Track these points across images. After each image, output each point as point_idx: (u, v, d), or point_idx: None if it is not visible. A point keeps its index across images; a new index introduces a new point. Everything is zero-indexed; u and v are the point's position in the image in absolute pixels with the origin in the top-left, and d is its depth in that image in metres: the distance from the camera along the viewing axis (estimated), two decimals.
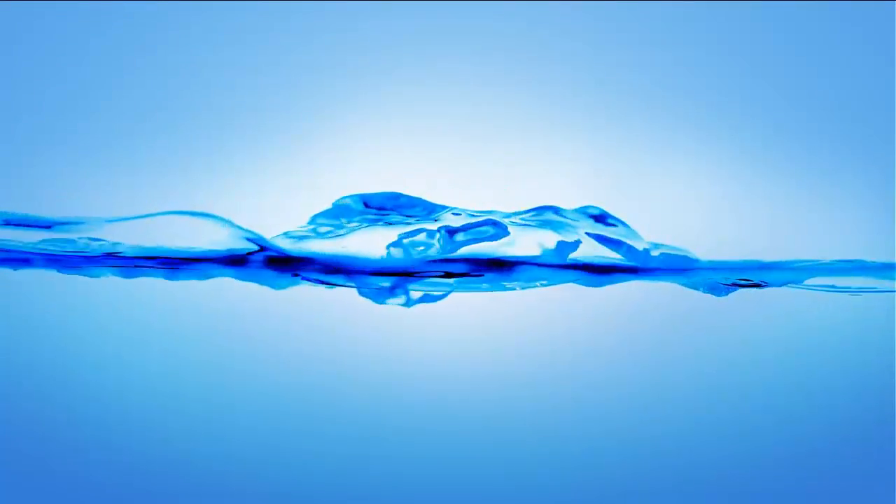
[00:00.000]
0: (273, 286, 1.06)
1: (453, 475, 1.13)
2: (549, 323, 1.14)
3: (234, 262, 1.04)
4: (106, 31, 1.10)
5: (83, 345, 1.13)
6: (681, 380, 1.15)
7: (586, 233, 1.05)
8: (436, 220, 1.05)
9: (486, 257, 1.04)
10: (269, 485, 1.12)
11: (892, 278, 1.09)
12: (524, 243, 1.04)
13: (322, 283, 1.05)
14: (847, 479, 1.14)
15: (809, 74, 1.12)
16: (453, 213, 1.05)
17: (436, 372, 1.13)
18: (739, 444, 1.14)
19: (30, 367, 1.14)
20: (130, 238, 1.04)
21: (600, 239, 1.04)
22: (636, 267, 1.05)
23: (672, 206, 1.11)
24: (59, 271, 1.05)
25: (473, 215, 1.05)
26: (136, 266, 1.05)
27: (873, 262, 1.08)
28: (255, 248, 1.04)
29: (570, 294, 1.10)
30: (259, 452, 1.13)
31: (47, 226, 1.04)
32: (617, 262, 1.06)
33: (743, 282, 1.08)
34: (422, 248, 1.02)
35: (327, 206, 1.07)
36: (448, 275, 1.04)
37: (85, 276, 1.06)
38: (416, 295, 1.07)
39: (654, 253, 1.04)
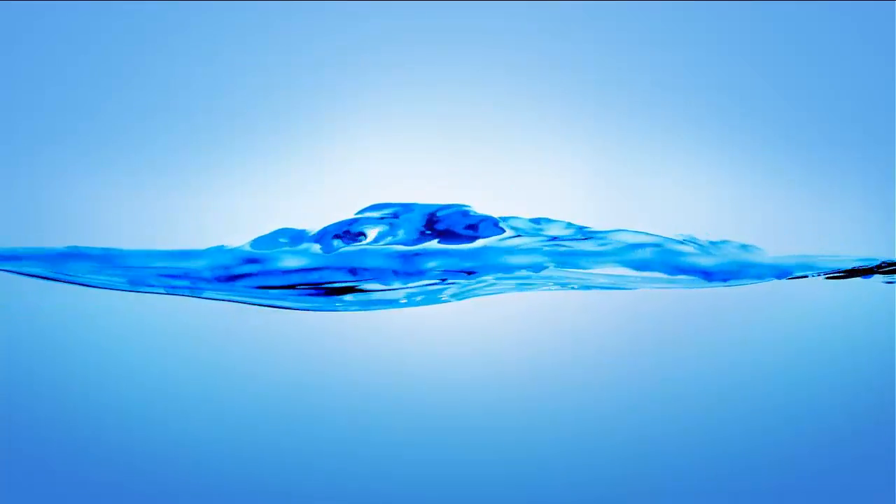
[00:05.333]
0: None
1: (453, 477, 1.13)
2: (549, 323, 1.14)
3: None
4: (106, 31, 1.10)
5: (78, 344, 1.13)
6: (678, 380, 1.15)
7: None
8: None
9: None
10: (263, 487, 1.12)
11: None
12: None
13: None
14: (847, 481, 1.14)
15: (809, 74, 1.12)
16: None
17: (434, 373, 1.13)
18: (738, 445, 1.14)
19: (27, 370, 1.14)
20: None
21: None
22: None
23: (672, 206, 1.11)
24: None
25: None
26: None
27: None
28: None
29: (568, 294, 1.10)
30: (255, 454, 1.13)
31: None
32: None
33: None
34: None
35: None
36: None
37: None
38: None
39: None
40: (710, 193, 1.11)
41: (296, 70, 1.11)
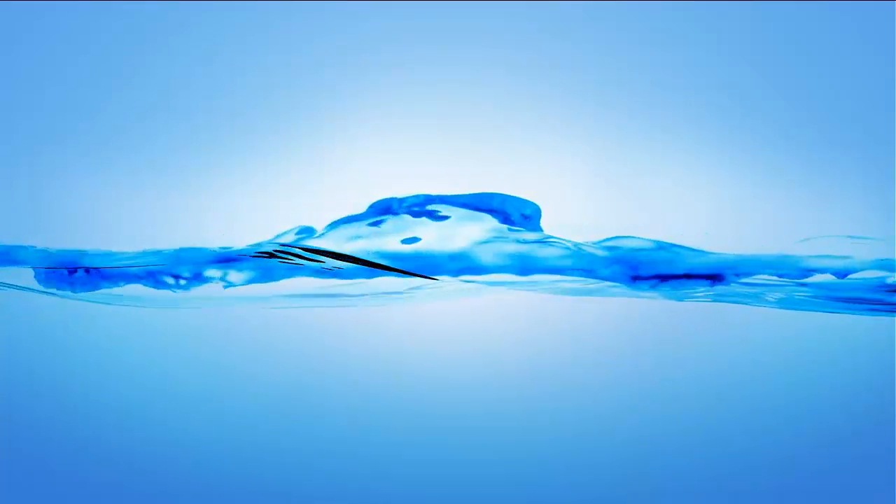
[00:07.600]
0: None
1: (453, 477, 1.13)
2: (549, 323, 1.14)
3: None
4: (106, 31, 1.10)
5: (78, 344, 1.13)
6: (678, 380, 1.15)
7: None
8: None
9: None
10: (263, 487, 1.12)
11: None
12: None
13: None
14: (847, 481, 1.14)
15: (809, 74, 1.12)
16: None
17: (434, 373, 1.13)
18: (738, 445, 1.14)
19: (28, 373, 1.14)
20: None
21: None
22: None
23: (672, 207, 1.11)
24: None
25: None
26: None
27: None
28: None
29: (567, 295, 1.10)
30: (255, 454, 1.13)
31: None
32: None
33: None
34: None
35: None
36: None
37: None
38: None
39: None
40: (710, 193, 1.11)
41: (296, 70, 1.11)
